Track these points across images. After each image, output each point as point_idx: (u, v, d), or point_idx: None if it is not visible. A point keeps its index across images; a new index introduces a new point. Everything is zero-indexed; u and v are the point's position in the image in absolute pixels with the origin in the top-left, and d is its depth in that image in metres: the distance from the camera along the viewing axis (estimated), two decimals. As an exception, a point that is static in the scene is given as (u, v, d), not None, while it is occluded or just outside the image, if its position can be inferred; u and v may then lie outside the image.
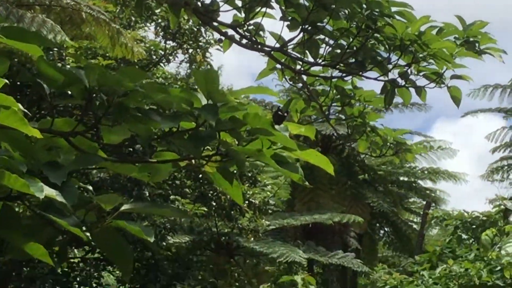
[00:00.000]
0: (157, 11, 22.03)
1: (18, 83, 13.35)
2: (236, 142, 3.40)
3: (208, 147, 3.55)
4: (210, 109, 3.24)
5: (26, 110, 2.80)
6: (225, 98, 3.26)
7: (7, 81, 2.66)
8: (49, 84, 3.23)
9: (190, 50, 23.91)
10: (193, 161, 3.63)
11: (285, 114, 3.64)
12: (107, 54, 19.09)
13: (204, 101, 3.30)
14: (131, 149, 15.25)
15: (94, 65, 3.19)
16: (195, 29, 22.84)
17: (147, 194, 18.82)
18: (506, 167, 36.94)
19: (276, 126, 3.30)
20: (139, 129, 3.36)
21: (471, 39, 6.73)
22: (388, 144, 8.03)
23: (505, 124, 36.84)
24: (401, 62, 6.76)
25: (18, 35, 3.09)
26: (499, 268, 19.55)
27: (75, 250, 20.33)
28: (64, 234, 3.15)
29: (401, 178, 38.07)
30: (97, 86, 3.18)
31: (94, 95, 3.24)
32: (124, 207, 3.17)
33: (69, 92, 3.40)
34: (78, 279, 19.40)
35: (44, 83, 3.26)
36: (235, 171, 3.74)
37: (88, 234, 3.03)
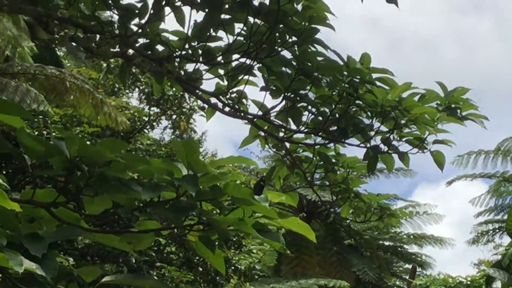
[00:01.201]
0: (141, 78, 22.13)
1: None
2: (217, 212, 3.40)
3: (190, 215, 3.53)
4: (190, 179, 3.24)
5: (5, 184, 2.80)
6: (206, 168, 3.26)
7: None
8: (30, 155, 3.23)
9: (174, 116, 23.98)
10: (175, 230, 3.62)
11: (262, 184, 3.64)
12: (92, 121, 19.12)
13: (184, 171, 3.31)
14: (116, 216, 15.19)
15: (75, 136, 3.19)
16: (179, 96, 22.93)
17: (134, 261, 18.69)
18: (491, 231, 36.85)
19: (256, 196, 3.30)
20: (121, 199, 3.35)
21: (453, 105, 6.77)
22: (372, 209, 8.02)
23: (487, 189, 36.84)
24: (384, 128, 6.78)
25: (1, 107, 3.11)
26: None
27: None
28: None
29: (387, 243, 37.96)
30: (78, 157, 3.19)
31: (76, 165, 3.24)
32: (105, 279, 3.15)
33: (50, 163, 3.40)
34: None
35: (26, 154, 3.26)
36: (217, 239, 3.73)
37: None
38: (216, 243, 3.75)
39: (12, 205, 2.72)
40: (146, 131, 23.92)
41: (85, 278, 3.13)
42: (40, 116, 17.06)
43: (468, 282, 23.93)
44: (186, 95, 22.91)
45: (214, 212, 3.43)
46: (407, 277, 37.89)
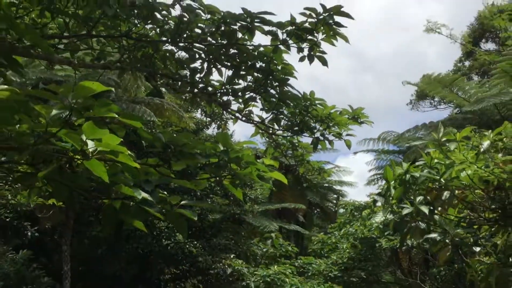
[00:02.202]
0: (201, 104, 22.14)
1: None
2: (238, 168, 3.37)
3: (224, 171, 3.50)
4: (225, 152, 3.22)
5: (132, 154, 2.76)
6: (232, 146, 3.23)
7: (122, 140, 2.63)
8: (145, 140, 3.21)
9: (218, 123, 23.97)
10: (217, 178, 3.59)
11: (261, 155, 3.61)
12: (176, 125, 19.15)
13: (222, 148, 3.28)
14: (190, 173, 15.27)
15: (167, 131, 3.16)
16: (220, 112, 22.93)
17: (199, 194, 18.72)
18: (376, 179, 36.70)
19: (258, 160, 3.27)
20: (190, 162, 3.32)
21: (356, 116, 6.72)
22: (315, 169, 8.02)
23: (374, 157, 36.84)
24: (321, 128, 6.73)
25: (129, 117, 3.08)
26: (372, 229, 19.44)
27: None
28: (151, 216, 3.09)
29: (325, 185, 37.90)
30: (169, 141, 3.16)
31: (167, 146, 3.22)
32: (183, 202, 3.12)
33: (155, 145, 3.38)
34: (164, 236, 19.12)
35: (143, 141, 3.24)
36: (239, 183, 3.71)
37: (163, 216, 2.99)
38: (241, 186, 3.74)
39: (134, 163, 2.69)
40: (204, 130, 23.93)
41: (172, 201, 3.10)
42: (152, 123, 17.05)
43: (366, 204, 23.92)
44: (224, 112, 22.91)
45: (237, 168, 3.40)
46: (334, 201, 37.91)
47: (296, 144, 7.55)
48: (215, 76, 6.24)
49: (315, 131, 6.69)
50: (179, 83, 6.30)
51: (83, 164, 2.56)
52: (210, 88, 6.36)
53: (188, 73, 6.28)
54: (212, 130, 26.63)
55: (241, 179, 3.36)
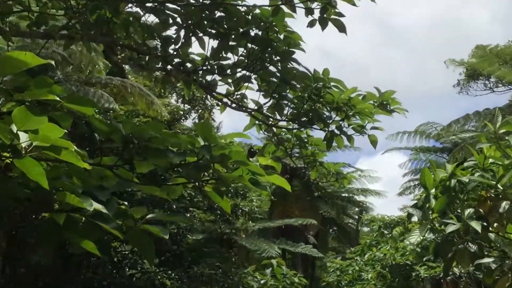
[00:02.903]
0: (177, 84, 22.20)
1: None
2: (225, 170, 3.36)
3: (206, 174, 3.49)
4: (206, 148, 3.20)
5: (80, 151, 2.75)
6: (216, 140, 3.22)
7: (66, 131, 2.62)
8: (98, 133, 3.19)
9: (200, 111, 24.02)
10: (196, 184, 3.58)
11: (256, 151, 3.61)
12: (146, 114, 19.17)
13: (202, 143, 3.27)
14: (162, 177, 15.30)
15: (129, 120, 3.15)
16: (203, 97, 23.00)
17: (174, 207, 18.72)
18: (412, 186, 36.76)
19: (251, 159, 3.26)
20: (160, 162, 3.31)
21: (384, 102, 6.73)
22: (331, 173, 8.04)
23: (407, 159, 36.92)
24: (337, 118, 6.74)
25: (78, 101, 3.06)
26: (407, 253, 19.53)
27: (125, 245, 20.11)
28: (107, 234, 3.08)
29: (343, 195, 38.02)
30: (131, 134, 3.14)
31: (129, 140, 3.20)
32: (149, 215, 3.11)
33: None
34: (128, 264, 19.15)
35: (95, 133, 3.22)
36: (231, 189, 3.71)
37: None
38: (230, 194, 3.74)
39: (83, 164, 2.67)
40: (182, 121, 23.97)
41: (135, 215, 3.09)
42: (111, 111, 17.03)
43: (398, 220, 24.04)
44: (209, 97, 22.95)
45: (223, 170, 3.38)
46: (356, 217, 38.09)
47: (305, 140, 7.55)
48: (195, 47, 6.24)
49: (330, 122, 6.69)
50: (147, 57, 6.29)
51: (14, 165, 2.54)
52: (189, 65, 6.35)
53: (159, 44, 6.26)
54: (192, 121, 26.67)
55: (228, 185, 3.34)
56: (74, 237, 2.92)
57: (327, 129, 6.74)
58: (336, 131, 6.75)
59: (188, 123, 26.28)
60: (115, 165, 3.28)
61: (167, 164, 3.31)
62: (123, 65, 20.01)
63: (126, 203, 3.17)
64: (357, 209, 39.01)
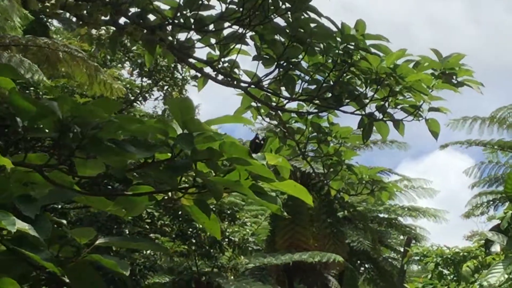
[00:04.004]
0: (132, 48, 22.08)
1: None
2: (213, 173, 3.36)
3: (184, 179, 3.49)
4: (186, 138, 3.19)
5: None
6: (201, 127, 3.21)
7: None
8: (22, 116, 3.18)
9: (166, 87, 23.91)
10: (169, 194, 3.58)
11: (262, 142, 3.61)
12: (84, 93, 19.10)
13: (179, 131, 3.26)
14: (110, 186, 15.28)
15: (67, 96, 3.14)
16: (171, 66, 22.88)
17: (127, 232, 18.79)
18: (485, 203, 36.82)
19: (254, 155, 3.26)
20: (114, 161, 3.31)
21: (448, 71, 6.74)
22: (364, 182, 7.96)
23: (480, 159, 36.72)
24: (378, 96, 6.75)
25: (-11, 68, 3.06)
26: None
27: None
28: (38, 269, 3.08)
29: (381, 215, 38.09)
30: (70, 117, 3.14)
31: (68, 127, 3.20)
32: (100, 240, 3.11)
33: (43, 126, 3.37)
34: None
35: (17, 116, 3.22)
36: (213, 206, 3.70)
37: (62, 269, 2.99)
38: (213, 209, 3.72)
39: (3, 160, 2.67)
40: (138, 103, 23.92)
41: (79, 240, 3.10)
42: (32, 88, 17.01)
43: (465, 253, 24.02)
44: (179, 66, 22.86)
45: (210, 173, 3.39)
46: (401, 249, 38.09)
47: (328, 131, 7.54)
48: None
49: (367, 101, 6.70)
50: (89, 4, 6.29)
51: None
52: (152, 17, 6.35)
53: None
54: (153, 103, 26.59)
55: (219, 195, 3.34)
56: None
57: (362, 112, 6.75)
58: (376, 113, 6.76)
59: (149, 106, 26.22)
60: (46, 165, 3.28)
61: (125, 163, 3.31)
62: (49, 19, 19.99)
63: (64, 221, 3.18)
64: (402, 237, 39.09)
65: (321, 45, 6.49)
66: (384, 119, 6.82)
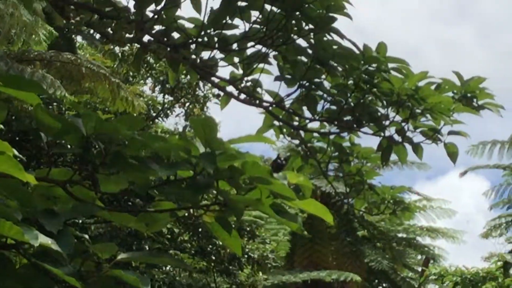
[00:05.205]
0: (155, 66, 22.10)
1: (17, 138, 13.40)
2: (235, 191, 3.36)
3: (205, 197, 3.49)
4: (208, 157, 3.19)
5: (21, 156, 2.76)
6: (223, 146, 3.22)
7: (2, 127, 2.64)
8: (46, 132, 3.19)
9: (188, 104, 23.88)
10: (191, 210, 3.58)
11: (284, 162, 3.60)
12: (107, 109, 19.12)
13: (202, 149, 3.26)
14: (130, 203, 15.30)
15: (92, 113, 3.15)
16: (194, 84, 22.86)
17: (147, 248, 18.80)
18: (504, 224, 36.66)
19: (275, 174, 3.25)
20: (137, 177, 3.31)
21: (469, 94, 6.71)
22: (386, 202, 7.94)
23: (497, 181, 36.74)
24: (398, 118, 6.72)
25: (16, 84, 3.07)
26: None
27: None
28: (60, 283, 3.09)
29: (400, 235, 37.86)
30: (95, 134, 3.15)
31: (92, 143, 3.21)
32: (121, 256, 3.11)
33: (66, 141, 3.38)
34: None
35: (42, 132, 3.23)
36: (233, 223, 3.69)
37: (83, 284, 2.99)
38: (234, 226, 3.71)
39: (27, 177, 2.67)
40: (160, 119, 23.94)
41: (101, 255, 3.10)
42: (55, 103, 17.05)
43: (484, 274, 23.92)
44: (201, 83, 22.84)
45: (231, 191, 3.39)
46: (419, 269, 37.90)
47: (349, 152, 7.51)
48: (185, 9, 6.25)
49: (387, 123, 6.67)
50: (114, 23, 6.31)
51: None
52: (176, 35, 6.36)
53: (132, 1, 6.29)
54: (174, 119, 26.60)
55: (241, 213, 3.34)
56: (8, 285, 2.93)
57: (382, 134, 6.72)
58: (395, 136, 6.72)
59: (171, 122, 26.22)
60: (69, 181, 3.29)
61: (147, 180, 3.31)
62: (74, 35, 20.07)
63: (86, 236, 3.19)
64: (420, 257, 38.86)
65: (343, 67, 6.47)
66: (404, 142, 6.77)
